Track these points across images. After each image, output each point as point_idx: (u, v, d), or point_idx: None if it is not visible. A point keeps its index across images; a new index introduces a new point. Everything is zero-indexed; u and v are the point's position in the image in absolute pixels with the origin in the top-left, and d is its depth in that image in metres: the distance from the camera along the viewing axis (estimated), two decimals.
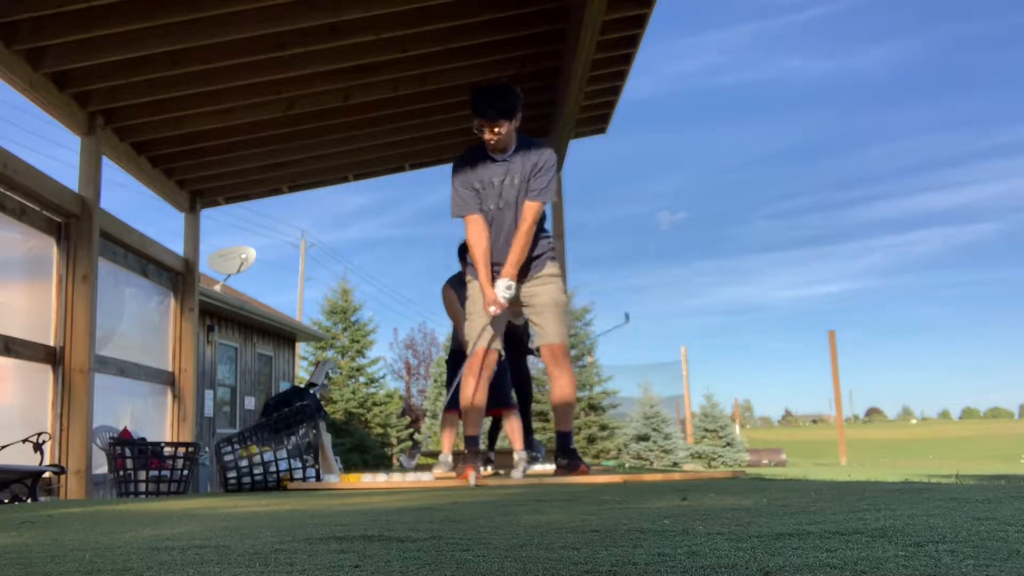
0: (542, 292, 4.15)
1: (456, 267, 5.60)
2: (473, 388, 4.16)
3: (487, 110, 3.95)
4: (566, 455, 4.23)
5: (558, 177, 4.13)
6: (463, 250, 5.63)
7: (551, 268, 4.21)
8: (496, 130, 3.96)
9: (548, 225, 4.50)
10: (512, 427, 5.40)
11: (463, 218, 4.11)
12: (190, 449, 5.40)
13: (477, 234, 4.08)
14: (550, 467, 5.19)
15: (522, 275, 4.13)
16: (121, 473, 5.18)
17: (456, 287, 5.63)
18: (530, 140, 4.17)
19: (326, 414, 6.49)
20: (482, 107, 3.97)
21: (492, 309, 4.03)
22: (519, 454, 4.87)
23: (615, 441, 22.91)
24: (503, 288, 4.02)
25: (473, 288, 4.25)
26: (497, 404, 5.35)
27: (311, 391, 5.88)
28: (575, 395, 4.43)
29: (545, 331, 4.13)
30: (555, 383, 4.19)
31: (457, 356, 5.49)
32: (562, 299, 4.22)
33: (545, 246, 4.21)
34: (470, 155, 4.16)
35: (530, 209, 4.04)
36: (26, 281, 5.38)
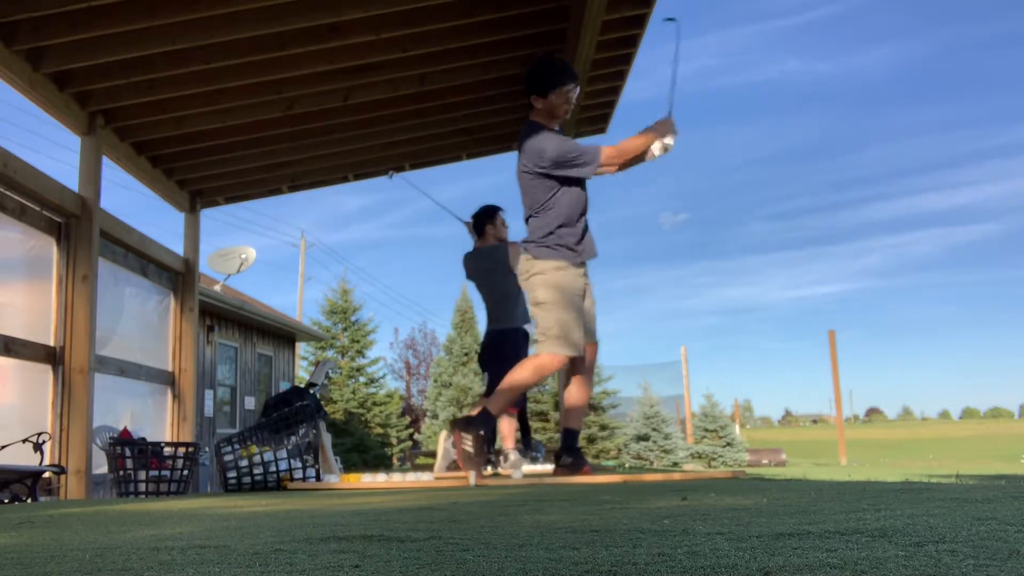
0: (591, 284, 4.09)
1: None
2: (534, 378, 4.04)
3: (576, 76, 4.07)
4: (571, 454, 4.13)
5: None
6: (481, 216, 5.67)
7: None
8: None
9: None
10: (503, 427, 5.40)
11: (601, 155, 3.96)
12: (190, 449, 5.40)
13: (612, 147, 3.99)
14: (548, 467, 5.19)
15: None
16: (121, 473, 5.18)
17: (483, 258, 5.65)
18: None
19: (326, 414, 6.49)
20: (574, 74, 4.07)
21: (656, 147, 3.93)
22: (509, 451, 4.92)
23: (615, 441, 22.93)
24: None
25: (575, 277, 3.99)
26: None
27: (311, 391, 5.88)
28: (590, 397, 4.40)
29: (591, 329, 4.09)
30: (580, 382, 4.09)
31: (503, 336, 5.47)
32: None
33: None
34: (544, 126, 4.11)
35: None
36: (26, 281, 5.37)
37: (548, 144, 3.95)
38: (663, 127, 3.95)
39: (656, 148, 3.94)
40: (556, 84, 4.03)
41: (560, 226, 3.97)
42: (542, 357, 3.93)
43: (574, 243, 3.99)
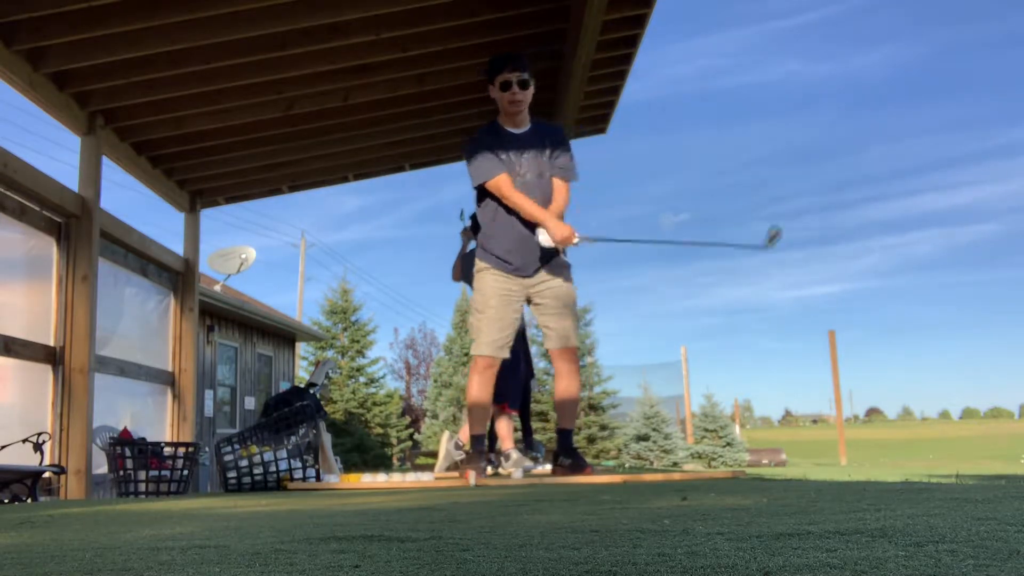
0: (558, 286, 4.02)
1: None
2: (478, 387, 4.07)
3: (515, 60, 3.96)
4: (569, 455, 4.10)
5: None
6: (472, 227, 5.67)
7: (563, 260, 4.07)
8: (524, 89, 3.94)
9: None
10: (500, 427, 5.39)
11: (493, 179, 3.87)
12: (190, 449, 5.40)
13: (511, 186, 3.87)
14: (548, 467, 5.19)
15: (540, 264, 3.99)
16: (121, 473, 5.18)
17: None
18: (541, 119, 4.13)
19: (326, 414, 6.49)
20: (509, 59, 3.97)
21: (576, 240, 3.85)
22: (509, 451, 4.92)
23: (615, 441, 22.94)
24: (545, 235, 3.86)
25: (494, 281, 4.01)
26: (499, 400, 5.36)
27: (311, 391, 5.88)
28: (579, 394, 4.36)
29: (561, 334, 4.04)
30: (563, 380, 4.07)
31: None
32: (574, 294, 4.10)
33: None
34: (487, 130, 4.07)
35: (562, 189, 3.96)
36: (26, 281, 5.38)
37: (470, 145, 4.06)
38: (563, 229, 3.85)
39: (542, 236, 3.86)
40: (494, 71, 4.00)
41: (489, 234, 4.02)
42: (473, 361, 4.06)
43: (502, 252, 3.99)
